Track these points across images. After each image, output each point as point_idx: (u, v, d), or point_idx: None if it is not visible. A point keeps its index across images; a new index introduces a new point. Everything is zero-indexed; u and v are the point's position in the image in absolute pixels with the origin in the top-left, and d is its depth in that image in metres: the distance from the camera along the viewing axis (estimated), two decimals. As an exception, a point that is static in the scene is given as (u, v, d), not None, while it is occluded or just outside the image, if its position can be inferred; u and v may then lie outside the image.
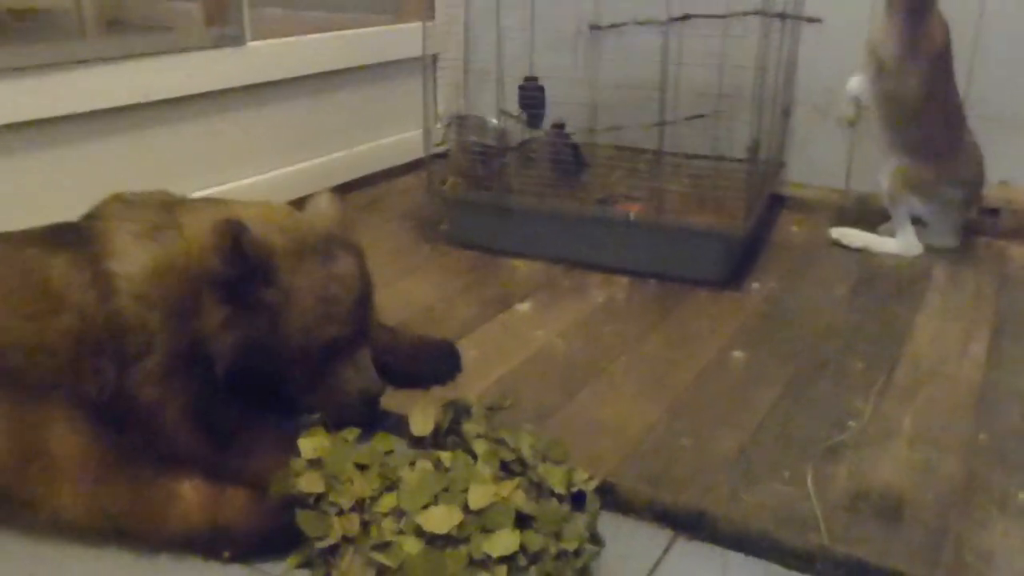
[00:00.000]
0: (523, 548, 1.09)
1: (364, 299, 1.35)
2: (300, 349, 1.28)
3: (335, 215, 1.39)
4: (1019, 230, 2.29)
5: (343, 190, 2.56)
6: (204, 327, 1.26)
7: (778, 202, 2.55)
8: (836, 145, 2.57)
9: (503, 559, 1.07)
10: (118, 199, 1.37)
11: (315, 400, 1.35)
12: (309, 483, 1.18)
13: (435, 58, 2.24)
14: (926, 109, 2.10)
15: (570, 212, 2.07)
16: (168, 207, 1.35)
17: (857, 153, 2.55)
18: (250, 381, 1.31)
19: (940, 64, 2.09)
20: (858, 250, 2.22)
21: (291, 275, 1.26)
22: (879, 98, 2.14)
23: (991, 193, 2.34)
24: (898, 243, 2.20)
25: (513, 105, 2.36)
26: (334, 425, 1.30)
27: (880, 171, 2.21)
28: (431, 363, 1.56)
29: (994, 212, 2.33)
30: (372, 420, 1.38)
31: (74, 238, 1.31)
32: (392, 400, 1.48)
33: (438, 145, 2.20)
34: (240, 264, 1.23)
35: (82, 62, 1.89)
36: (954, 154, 2.15)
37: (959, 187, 2.16)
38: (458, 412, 1.38)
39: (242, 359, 1.27)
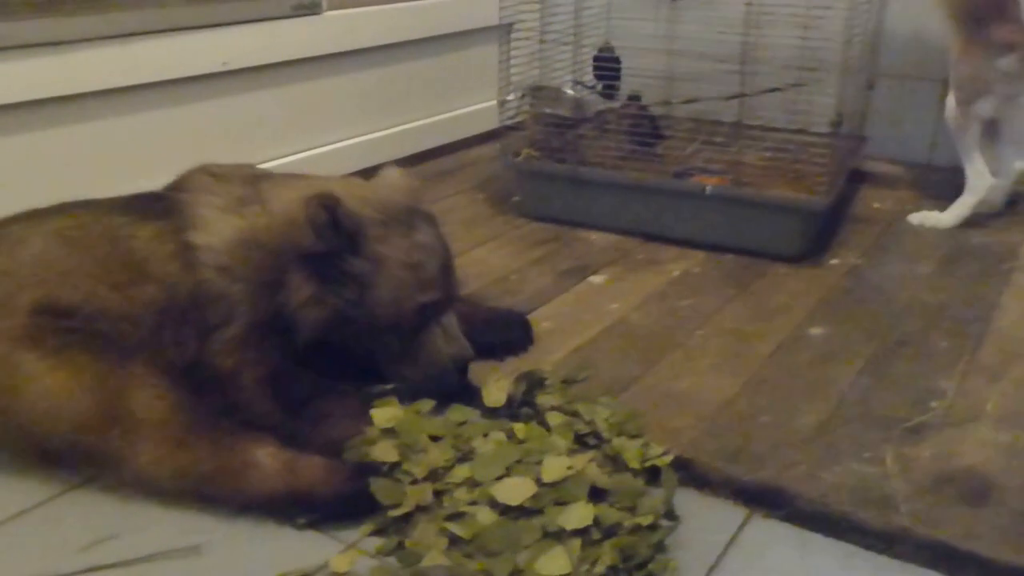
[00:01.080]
0: (597, 522, 1.08)
1: (448, 265, 1.37)
2: (391, 317, 1.31)
3: (407, 186, 1.40)
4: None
5: (417, 160, 2.59)
6: (290, 301, 1.29)
7: (859, 177, 2.48)
8: (920, 119, 2.49)
9: (577, 532, 1.06)
10: (204, 171, 1.40)
11: (406, 369, 1.36)
12: (383, 452, 1.19)
13: (511, 27, 2.22)
14: None
15: (645, 184, 2.04)
16: (252, 181, 1.38)
17: (942, 127, 2.46)
18: (329, 352, 1.33)
19: None
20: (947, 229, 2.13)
21: (379, 245, 1.29)
22: None
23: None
24: (970, 183, 2.10)
25: (589, 76, 2.33)
26: (425, 392, 1.34)
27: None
28: (504, 334, 1.56)
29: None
30: (462, 386, 1.39)
31: (160, 209, 1.35)
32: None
33: (512, 116, 2.18)
34: (334, 237, 1.25)
35: (162, 31, 1.92)
36: None
37: None
38: (532, 384, 1.38)
39: (327, 331, 1.30)
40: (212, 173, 1.39)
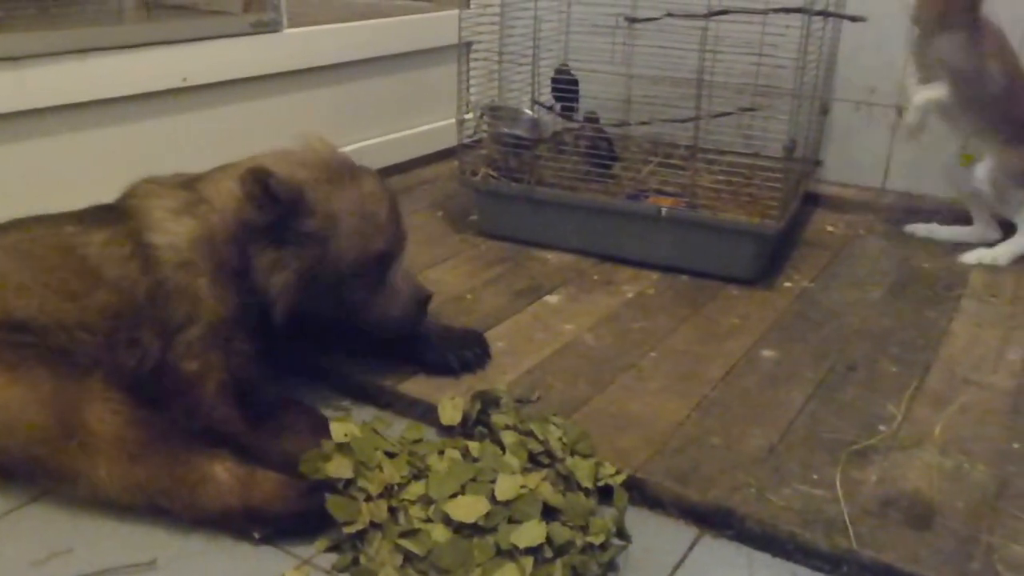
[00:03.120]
0: (549, 540, 1.09)
1: (396, 210, 1.43)
2: (354, 267, 1.36)
3: (334, 149, 1.45)
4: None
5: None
6: (256, 278, 1.32)
7: (813, 200, 2.52)
8: (874, 144, 2.55)
9: (529, 550, 1.07)
10: (148, 181, 1.43)
11: (373, 314, 1.42)
12: (338, 468, 1.19)
13: (469, 46, 2.23)
14: (1012, 95, 2.06)
15: (601, 205, 2.06)
16: (189, 184, 1.41)
17: (895, 152, 2.53)
18: (306, 322, 1.38)
19: (1007, 49, 2.07)
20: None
21: (327, 202, 1.33)
22: (961, 104, 2.08)
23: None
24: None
25: (546, 95, 2.35)
26: (390, 332, 1.45)
27: (975, 172, 2.14)
28: (460, 352, 1.56)
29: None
30: (422, 322, 1.50)
31: (111, 217, 1.36)
32: (421, 389, 1.49)
33: (470, 135, 2.19)
34: (275, 205, 1.29)
35: (121, 47, 1.91)
36: None
37: None
38: (487, 403, 1.39)
39: (299, 295, 1.33)
40: (156, 182, 1.42)
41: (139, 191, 1.40)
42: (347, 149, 2.47)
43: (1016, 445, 1.39)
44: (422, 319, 1.49)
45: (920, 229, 2.30)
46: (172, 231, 1.33)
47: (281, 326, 1.35)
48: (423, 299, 1.47)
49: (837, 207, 2.50)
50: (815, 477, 1.28)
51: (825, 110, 2.46)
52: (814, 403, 1.49)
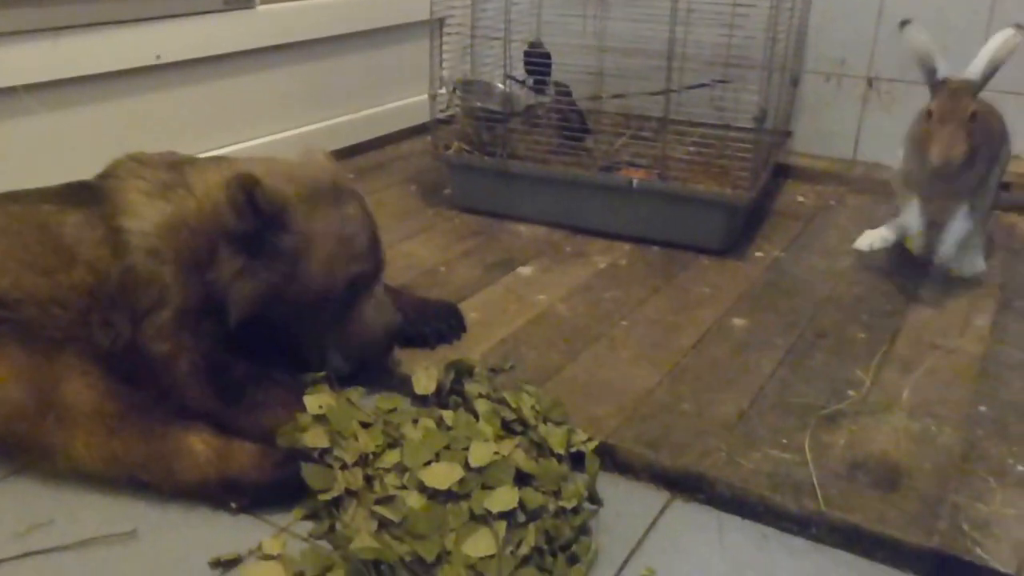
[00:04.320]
0: (522, 505, 1.10)
1: (376, 237, 1.40)
2: (323, 290, 1.33)
3: (331, 167, 1.42)
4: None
5: (349, 153, 2.59)
6: (219, 278, 1.29)
7: (784, 171, 2.54)
8: (845, 115, 2.57)
9: (502, 515, 1.08)
10: (131, 158, 1.40)
11: (340, 339, 1.39)
12: (314, 438, 1.20)
13: (442, 22, 2.23)
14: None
15: (573, 178, 2.07)
16: (177, 166, 1.38)
17: (865, 123, 2.55)
18: (261, 332, 1.35)
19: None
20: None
21: (307, 220, 1.31)
22: (945, 192, 1.80)
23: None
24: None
25: (519, 71, 2.35)
26: (357, 362, 1.40)
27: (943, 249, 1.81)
28: (434, 323, 1.57)
29: (1006, 186, 2.32)
30: (391, 355, 1.47)
31: (87, 196, 1.35)
32: (396, 360, 1.49)
33: (443, 110, 2.19)
34: (255, 216, 1.26)
35: (95, 24, 1.89)
36: None
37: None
38: (460, 372, 1.40)
39: (258, 308, 1.31)
40: (139, 160, 1.39)
41: (120, 169, 1.38)
42: (321, 126, 2.50)
43: (983, 408, 1.41)
44: (389, 351, 1.46)
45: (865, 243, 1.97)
46: (143, 215, 1.31)
47: (237, 329, 1.33)
48: (392, 331, 1.42)
49: (808, 178, 2.52)
50: (784, 441, 1.31)
51: (795, 82, 2.47)
52: (784, 369, 1.51)
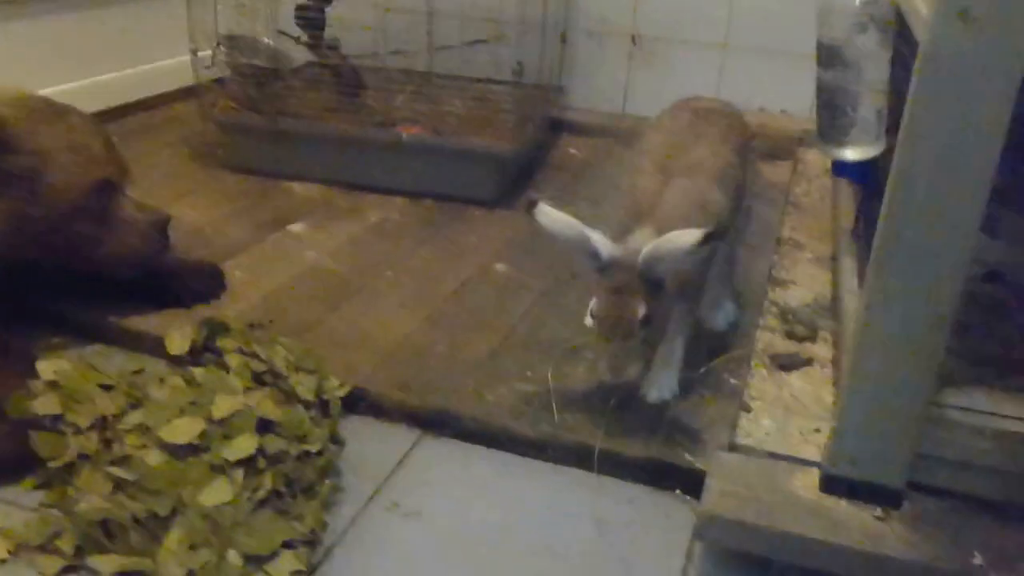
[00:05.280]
0: (263, 451, 1.12)
1: (110, 143, 1.39)
2: (72, 201, 1.30)
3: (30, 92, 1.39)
4: (772, 152, 2.45)
5: (116, 115, 2.47)
6: None
7: (559, 126, 2.63)
8: (613, 71, 2.67)
9: (241, 463, 1.09)
10: None
11: (109, 248, 1.38)
12: (45, 405, 1.17)
13: (207, -24, 2.16)
14: None
15: (344, 134, 2.07)
16: None
17: (632, 79, 2.67)
18: (24, 269, 1.33)
19: None
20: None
21: (31, 137, 1.28)
22: None
23: (751, 119, 2.49)
24: None
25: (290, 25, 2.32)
26: (134, 264, 1.41)
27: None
28: (192, 283, 1.55)
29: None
30: (166, 248, 1.46)
31: None
32: (149, 322, 1.47)
33: (208, 67, 2.14)
34: None
35: None
36: None
37: None
38: (214, 329, 1.39)
39: (13, 239, 1.27)
40: None
41: None
42: (82, 84, 2.38)
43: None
44: (166, 244, 1.46)
45: None
46: None
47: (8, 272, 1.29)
48: (161, 222, 1.43)
49: (581, 132, 2.62)
50: (529, 374, 1.37)
51: (564, 38, 2.55)
52: (537, 309, 1.58)
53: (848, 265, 1.40)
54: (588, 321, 1.27)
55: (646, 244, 1.18)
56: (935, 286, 0.92)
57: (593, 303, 1.23)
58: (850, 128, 1.34)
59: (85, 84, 2.39)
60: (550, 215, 1.24)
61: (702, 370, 1.38)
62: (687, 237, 1.14)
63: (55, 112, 1.34)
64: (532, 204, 1.25)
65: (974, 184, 0.88)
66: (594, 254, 1.21)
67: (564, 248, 1.25)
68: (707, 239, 1.14)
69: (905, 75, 1.03)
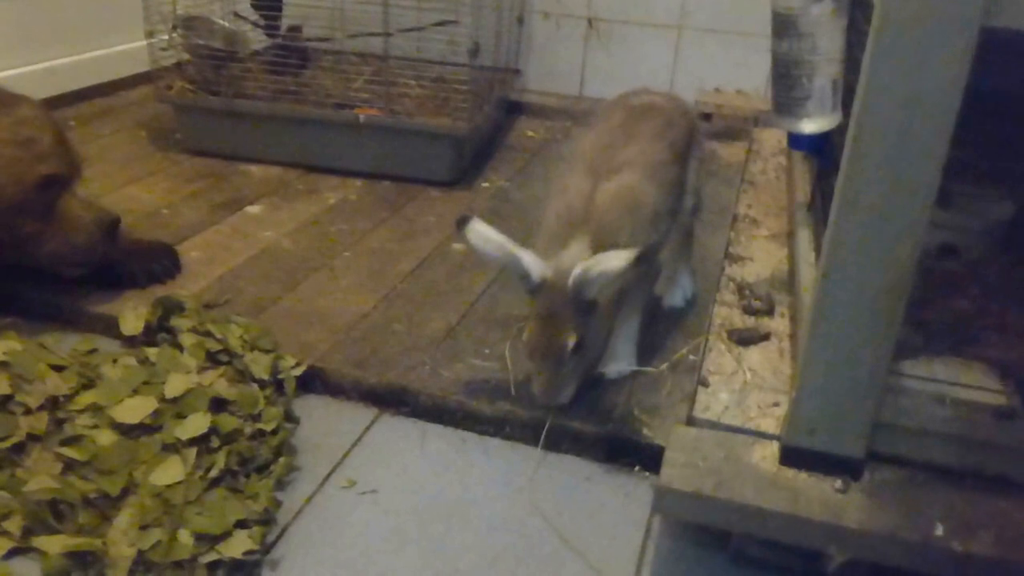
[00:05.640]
0: (216, 430, 1.10)
1: (62, 138, 1.35)
2: (14, 196, 1.27)
3: None
4: (727, 132, 2.47)
5: (72, 100, 2.44)
6: None
7: (518, 108, 2.62)
8: (570, 54, 2.67)
9: (194, 441, 1.08)
10: None
11: (52, 247, 1.34)
12: (-8, 385, 1.15)
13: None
14: None
15: (302, 116, 2.05)
16: None
17: (589, 61, 2.66)
18: None
19: None
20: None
21: None
22: None
23: (706, 99, 2.51)
24: None
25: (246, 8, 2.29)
26: (77, 264, 1.38)
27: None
28: (147, 264, 1.53)
29: (707, 117, 2.50)
30: (113, 250, 1.43)
31: None
32: (103, 303, 1.45)
33: (164, 49, 2.10)
34: None
35: None
36: None
37: None
38: (169, 309, 1.37)
39: None
40: None
41: None
42: (33, 69, 2.33)
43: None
44: (111, 246, 1.42)
45: None
46: None
47: None
48: (109, 223, 1.39)
49: (539, 114, 2.62)
50: (487, 351, 1.37)
51: (521, 20, 2.54)
52: (495, 287, 1.57)
53: (804, 237, 1.41)
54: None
55: (578, 261, 1.15)
56: (893, 249, 0.93)
57: (525, 330, 1.20)
58: (806, 100, 1.34)
59: (38, 69, 2.34)
60: (481, 234, 1.20)
61: (664, 366, 1.36)
62: (616, 261, 1.12)
63: (2, 103, 1.30)
64: (464, 221, 1.20)
65: (931, 147, 0.88)
66: (525, 276, 1.18)
67: (494, 267, 1.20)
68: (638, 260, 1.13)
69: (860, 43, 1.04)
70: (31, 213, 1.32)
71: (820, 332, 0.99)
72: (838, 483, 1.02)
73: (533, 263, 1.18)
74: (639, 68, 2.54)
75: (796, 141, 1.56)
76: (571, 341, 1.16)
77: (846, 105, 1.34)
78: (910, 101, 0.87)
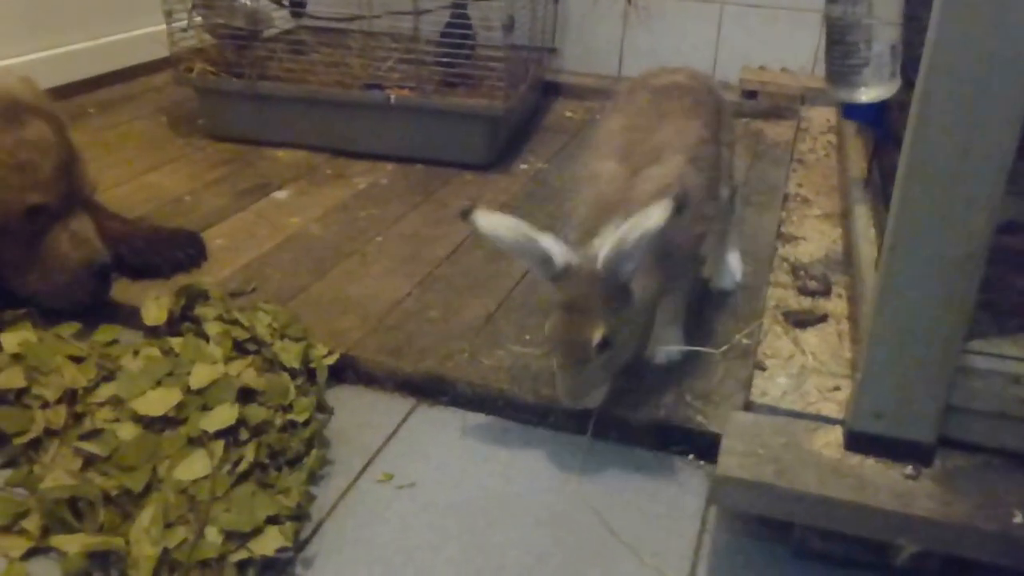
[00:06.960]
0: (245, 422, 1.04)
1: (69, 166, 1.27)
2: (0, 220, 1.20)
3: (21, 87, 1.28)
4: (773, 111, 2.38)
5: (92, 86, 2.38)
6: None
7: (555, 89, 2.55)
8: (608, 33, 2.59)
9: (221, 434, 1.02)
10: None
11: (30, 281, 1.26)
12: (8, 378, 1.10)
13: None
14: None
15: (329, 97, 1.99)
16: None
17: (628, 40, 2.58)
18: None
19: None
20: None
21: None
22: None
23: (751, 77, 2.42)
24: None
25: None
26: (61, 303, 1.26)
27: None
28: (170, 252, 1.47)
29: (752, 95, 2.41)
30: (104, 293, 1.32)
31: None
32: (127, 292, 1.39)
33: (184, 29, 2.04)
34: None
35: None
36: None
37: None
38: (192, 297, 1.31)
39: None
40: None
41: None
42: (55, 52, 2.28)
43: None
44: (101, 291, 1.32)
45: None
46: None
47: None
48: (98, 267, 1.29)
49: (577, 95, 2.54)
50: (527, 337, 1.30)
51: (556, -1, 2.47)
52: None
53: (862, 214, 1.32)
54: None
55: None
56: (966, 219, 0.85)
57: (548, 320, 1.08)
58: (863, 67, 1.26)
59: (57, 54, 2.29)
60: (490, 220, 1.08)
61: (724, 348, 1.27)
62: (654, 216, 1.00)
63: (11, 119, 1.22)
64: (467, 212, 1.09)
65: (1008, 108, 0.80)
66: (546, 260, 1.05)
67: (511, 254, 1.09)
68: (678, 206, 1.00)
69: (921, 2, 0.95)
70: (14, 239, 1.24)
71: (887, 309, 0.91)
72: (907, 470, 0.95)
73: (554, 246, 1.06)
74: (680, 45, 2.45)
75: (852, 111, 1.48)
76: (598, 335, 1.03)
77: (906, 69, 1.25)
78: (984, 58, 0.79)
